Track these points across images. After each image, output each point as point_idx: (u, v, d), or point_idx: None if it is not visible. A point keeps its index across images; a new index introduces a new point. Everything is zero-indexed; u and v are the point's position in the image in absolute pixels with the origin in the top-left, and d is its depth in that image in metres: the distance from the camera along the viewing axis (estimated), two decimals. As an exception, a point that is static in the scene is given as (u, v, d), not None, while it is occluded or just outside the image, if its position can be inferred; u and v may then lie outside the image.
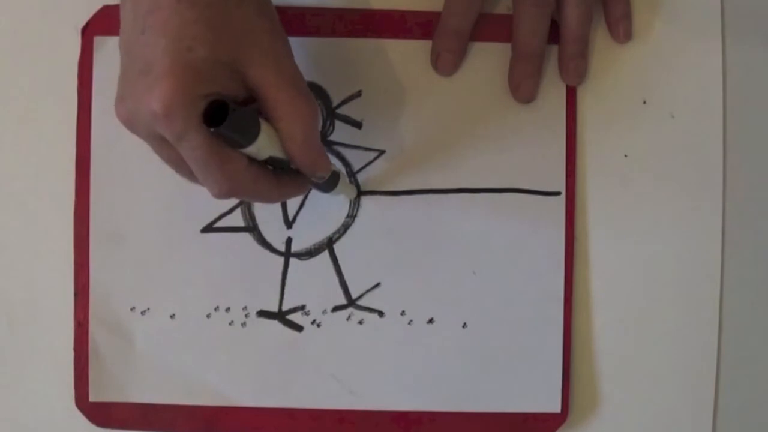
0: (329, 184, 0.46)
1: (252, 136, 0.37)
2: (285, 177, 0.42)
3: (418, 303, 0.50)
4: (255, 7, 0.39)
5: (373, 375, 0.50)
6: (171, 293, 0.50)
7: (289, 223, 0.50)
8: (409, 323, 0.50)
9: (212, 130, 0.36)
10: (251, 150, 0.38)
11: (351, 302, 0.50)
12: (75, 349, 0.50)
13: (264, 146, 0.38)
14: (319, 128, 0.40)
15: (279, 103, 0.39)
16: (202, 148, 0.37)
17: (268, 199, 0.42)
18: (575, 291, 0.51)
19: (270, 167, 0.41)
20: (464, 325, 0.50)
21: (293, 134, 0.39)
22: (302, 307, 0.50)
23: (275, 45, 0.39)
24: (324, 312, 0.50)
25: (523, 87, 0.50)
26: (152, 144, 0.39)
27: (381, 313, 0.50)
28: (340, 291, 0.50)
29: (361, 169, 0.50)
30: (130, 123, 0.38)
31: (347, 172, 0.50)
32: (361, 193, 0.50)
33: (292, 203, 0.50)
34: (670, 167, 0.51)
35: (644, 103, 0.51)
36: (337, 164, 0.50)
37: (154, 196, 0.50)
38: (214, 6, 0.37)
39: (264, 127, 0.38)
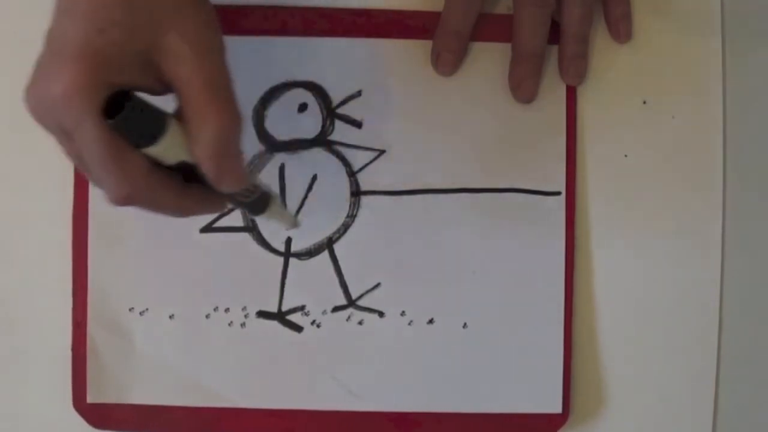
0: (255, 207, 0.42)
1: (152, 135, 0.34)
2: (197, 190, 0.38)
3: (418, 303, 0.50)
4: None
5: (373, 375, 0.50)
6: (170, 293, 0.50)
7: (289, 223, 0.50)
8: (409, 323, 0.50)
9: (109, 121, 0.34)
10: (156, 151, 0.35)
11: (351, 302, 0.50)
12: (73, 350, 0.50)
13: (170, 148, 0.35)
14: (238, 138, 0.37)
15: (191, 102, 0.35)
16: (98, 142, 0.34)
17: (171, 213, 0.38)
18: (575, 291, 0.50)
19: (181, 176, 0.38)
20: (464, 325, 0.50)
21: (199, 138, 0.36)
22: (302, 308, 0.50)
23: (201, 38, 0.36)
24: (324, 312, 0.50)
25: (523, 87, 0.50)
26: (57, 137, 0.36)
27: (381, 314, 0.50)
28: (340, 291, 0.50)
29: (361, 169, 0.50)
30: (37, 111, 0.35)
31: (347, 172, 0.50)
32: (295, 225, 0.48)
33: (292, 203, 0.50)
34: (670, 167, 0.51)
35: (644, 103, 0.51)
36: (331, 167, 0.50)
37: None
38: None
39: (176, 127, 0.35)
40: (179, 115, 0.36)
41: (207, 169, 0.37)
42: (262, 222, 0.50)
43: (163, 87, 0.36)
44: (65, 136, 0.35)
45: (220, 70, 0.37)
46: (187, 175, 0.38)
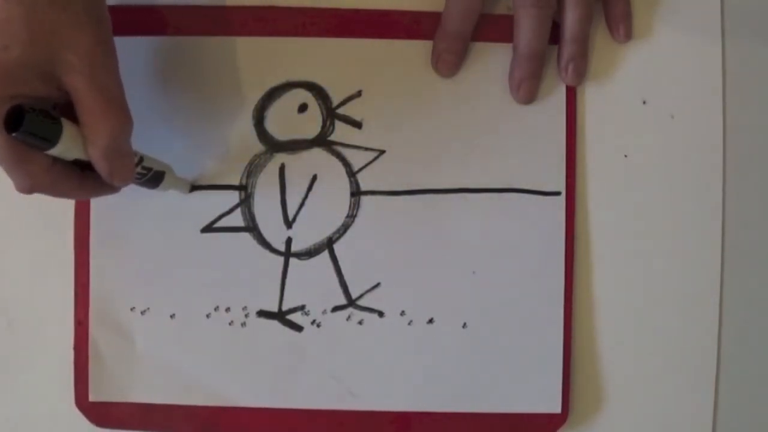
0: (150, 184, 0.47)
1: (49, 141, 0.39)
2: (93, 178, 0.43)
3: (418, 303, 0.50)
4: (82, 12, 0.40)
5: (373, 375, 0.50)
6: (171, 293, 0.50)
7: (289, 223, 0.50)
8: (409, 323, 0.50)
9: (13, 135, 0.38)
10: (55, 152, 0.39)
11: (351, 302, 0.50)
12: (75, 349, 0.50)
13: (69, 149, 0.40)
14: (128, 139, 0.42)
15: (85, 109, 0.40)
16: (2, 148, 0.38)
17: (72, 197, 0.44)
18: (575, 291, 0.51)
19: (79, 167, 0.42)
20: (464, 325, 0.50)
21: (94, 141, 0.40)
22: (302, 307, 0.50)
23: (95, 52, 0.40)
24: (324, 312, 0.50)
25: (523, 87, 0.50)
26: None
27: (381, 313, 0.50)
28: (340, 291, 0.50)
29: (361, 169, 0.50)
30: None
31: (347, 173, 0.50)
32: (188, 189, 0.50)
33: (292, 203, 0.50)
34: (670, 167, 0.51)
35: (644, 103, 0.51)
36: (332, 167, 0.50)
37: (155, 196, 0.50)
38: (39, 6, 0.38)
39: (74, 130, 0.40)
40: (76, 119, 0.40)
41: (100, 168, 0.41)
42: (263, 222, 0.50)
43: (62, 95, 0.40)
44: None
45: (111, 81, 0.41)
46: (84, 164, 0.42)
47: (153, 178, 0.47)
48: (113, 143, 0.40)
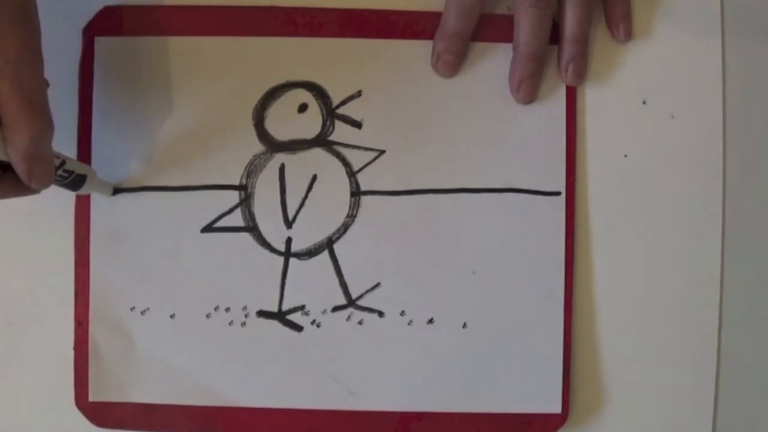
0: (72, 186, 0.47)
1: None
2: (12, 178, 0.43)
3: (418, 303, 0.50)
4: (12, 14, 0.40)
5: (373, 375, 0.50)
6: (171, 293, 0.50)
7: (289, 223, 0.50)
8: (409, 323, 0.50)
9: None
10: None
11: (351, 302, 0.50)
12: (75, 349, 0.50)
13: None
14: (48, 143, 0.42)
15: (7, 112, 0.40)
16: None
17: None
18: (575, 291, 0.51)
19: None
20: (464, 325, 0.50)
21: (14, 143, 0.40)
22: (302, 307, 0.50)
23: (21, 55, 0.40)
24: (324, 312, 0.50)
25: (523, 87, 0.50)
26: None
27: (381, 313, 0.50)
28: (339, 291, 0.50)
29: (361, 169, 0.50)
30: None
31: (347, 172, 0.50)
32: (110, 192, 0.50)
33: (292, 203, 0.50)
34: (670, 167, 0.51)
35: (644, 103, 0.51)
36: (332, 167, 0.50)
37: (154, 196, 0.50)
38: None
39: None
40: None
41: (19, 170, 0.42)
42: (263, 222, 0.50)
43: None
44: None
45: (35, 86, 0.41)
46: (4, 164, 0.42)
47: (74, 181, 0.47)
48: (33, 147, 0.41)
